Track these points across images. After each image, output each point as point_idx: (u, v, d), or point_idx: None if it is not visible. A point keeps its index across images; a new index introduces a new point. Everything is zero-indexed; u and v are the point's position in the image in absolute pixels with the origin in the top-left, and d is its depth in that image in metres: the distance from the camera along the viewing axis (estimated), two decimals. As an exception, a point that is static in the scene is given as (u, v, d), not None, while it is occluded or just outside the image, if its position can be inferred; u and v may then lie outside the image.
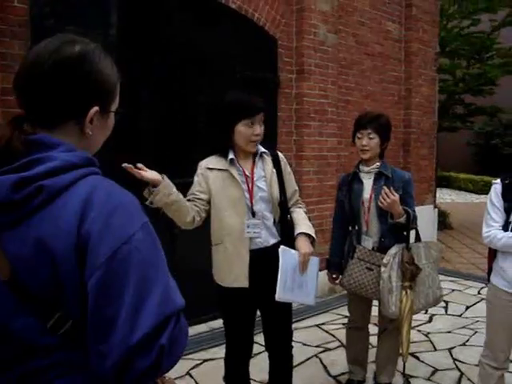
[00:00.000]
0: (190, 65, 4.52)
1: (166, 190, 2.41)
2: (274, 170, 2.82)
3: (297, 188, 2.99)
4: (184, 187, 2.73)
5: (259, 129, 2.68)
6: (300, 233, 2.78)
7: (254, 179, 2.76)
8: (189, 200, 2.70)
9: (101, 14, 4.00)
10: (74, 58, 1.07)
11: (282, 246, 2.69)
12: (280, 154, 2.94)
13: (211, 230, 2.78)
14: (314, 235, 2.81)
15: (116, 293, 0.94)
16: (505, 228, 2.75)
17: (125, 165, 2.24)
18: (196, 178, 2.77)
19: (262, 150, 2.83)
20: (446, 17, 11.08)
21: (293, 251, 2.72)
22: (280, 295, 2.64)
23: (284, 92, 5.35)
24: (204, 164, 2.78)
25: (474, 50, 11.29)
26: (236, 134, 2.67)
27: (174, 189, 2.49)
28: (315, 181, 5.53)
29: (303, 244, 2.74)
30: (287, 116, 5.40)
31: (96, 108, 1.10)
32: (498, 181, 2.83)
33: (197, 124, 4.58)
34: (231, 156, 2.72)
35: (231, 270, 2.70)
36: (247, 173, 2.75)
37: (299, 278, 2.74)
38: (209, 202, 2.73)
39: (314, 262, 2.82)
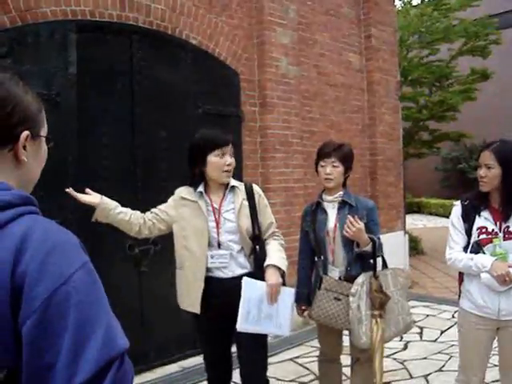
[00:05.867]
0: (151, 101, 4.51)
1: (102, 212, 2.75)
2: (246, 203, 2.91)
3: (273, 220, 3.06)
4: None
5: (230, 159, 2.84)
6: (269, 264, 2.83)
7: (222, 211, 2.87)
8: (151, 212, 2.93)
9: (60, 53, 3.98)
10: None
11: (245, 277, 2.76)
12: (255, 186, 3.05)
13: (175, 254, 2.93)
14: (283, 267, 2.88)
15: (53, 338, 0.88)
16: (466, 249, 2.76)
17: (67, 190, 2.65)
18: (168, 201, 2.97)
19: (234, 183, 2.96)
20: (406, 47, 11.40)
21: (259, 282, 2.77)
22: (242, 325, 2.69)
23: (248, 125, 5.37)
24: (178, 192, 2.96)
25: (435, 77, 11.59)
26: (208, 166, 2.82)
27: (115, 210, 2.78)
28: (283, 212, 5.51)
29: (271, 275, 2.80)
30: (252, 149, 5.41)
31: (27, 132, 1.08)
32: (458, 202, 2.86)
33: (159, 159, 4.55)
34: (200, 189, 2.88)
35: (188, 294, 2.84)
36: (215, 205, 2.88)
37: (267, 309, 2.78)
38: (168, 226, 2.92)
39: (288, 292, 2.89)
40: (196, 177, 2.91)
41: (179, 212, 2.89)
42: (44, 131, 1.18)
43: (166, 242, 3.13)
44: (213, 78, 5.02)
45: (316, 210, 3.29)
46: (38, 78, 3.86)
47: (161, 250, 4.36)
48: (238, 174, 4.87)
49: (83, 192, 2.75)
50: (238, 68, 5.29)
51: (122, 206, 2.88)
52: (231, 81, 5.23)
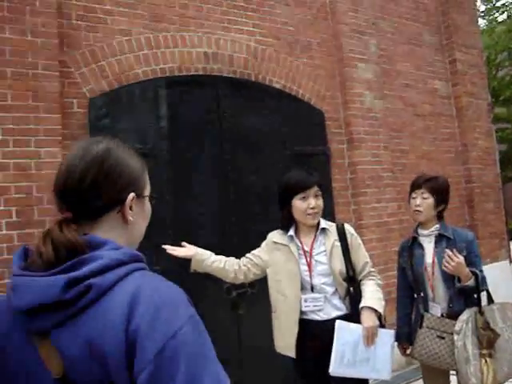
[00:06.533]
0: (240, 147, 4.62)
1: (198, 263, 2.85)
2: (338, 244, 2.86)
3: (367, 260, 2.98)
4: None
5: (314, 202, 2.81)
6: (364, 306, 2.76)
7: (313, 254, 2.85)
8: (245, 257, 2.99)
9: (152, 109, 4.20)
10: (100, 155, 1.16)
11: (338, 321, 2.71)
12: (347, 226, 2.99)
13: (270, 298, 2.95)
14: (380, 308, 2.79)
15: None
16: None
17: (164, 246, 2.77)
18: (262, 245, 3.01)
19: (324, 224, 2.92)
20: (495, 66, 10.98)
21: (353, 325, 2.71)
22: (335, 369, 2.63)
23: (337, 163, 5.34)
24: (271, 236, 3.00)
25: (529, 95, 11.05)
26: (294, 209, 2.85)
27: (210, 259, 2.87)
28: (378, 248, 5.38)
29: (366, 318, 2.73)
30: (342, 186, 5.36)
31: (132, 194, 1.17)
32: None
33: (251, 204, 4.61)
34: (290, 232, 2.89)
35: (284, 338, 2.84)
36: (306, 248, 2.86)
37: (364, 353, 2.70)
38: (262, 270, 2.95)
39: (386, 334, 2.79)
40: (286, 220, 2.92)
41: (272, 256, 2.91)
42: (147, 190, 1.26)
43: (262, 283, 3.15)
44: (298, 119, 5.07)
45: (412, 245, 3.19)
46: (133, 134, 4.09)
47: (258, 292, 4.36)
48: (329, 213, 4.84)
49: (179, 238, 2.85)
50: (322, 107, 5.32)
51: (218, 250, 2.95)
52: (317, 120, 5.26)
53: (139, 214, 1.22)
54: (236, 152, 4.60)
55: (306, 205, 2.79)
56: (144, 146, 4.10)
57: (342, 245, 2.88)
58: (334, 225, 2.99)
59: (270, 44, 5.01)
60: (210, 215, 4.40)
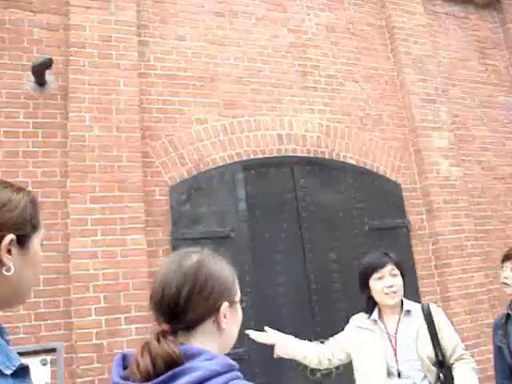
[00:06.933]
0: (318, 224, 4.62)
1: (281, 350, 2.77)
2: (425, 326, 2.73)
3: (458, 342, 2.78)
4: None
5: (390, 281, 2.72)
6: None
7: (398, 338, 2.72)
8: (329, 341, 2.91)
9: (230, 192, 4.31)
10: (194, 267, 1.20)
11: None
12: (433, 306, 2.86)
13: (355, 382, 2.84)
14: None
15: None
16: None
17: (247, 331, 2.70)
18: (345, 329, 2.92)
19: (408, 306, 2.81)
20: None
21: None
22: None
23: (417, 234, 5.21)
24: (354, 320, 2.91)
25: None
26: (372, 291, 2.77)
27: (294, 345, 2.79)
28: (468, 322, 5.09)
29: None
30: (425, 258, 5.20)
31: (226, 303, 1.21)
32: None
33: (331, 282, 4.55)
34: (374, 316, 2.79)
35: None
36: (391, 332, 2.75)
37: None
38: (347, 355, 2.85)
39: None
40: (368, 303, 2.85)
41: (355, 341, 2.81)
42: (238, 296, 1.29)
43: (347, 363, 3.04)
44: (375, 192, 5.04)
45: (507, 323, 3.00)
46: (213, 218, 4.20)
47: (342, 372, 4.21)
48: (412, 286, 4.69)
49: (260, 319, 2.81)
50: (398, 179, 5.27)
51: (299, 331, 2.90)
52: (393, 192, 5.20)
53: (232, 320, 1.25)
54: (314, 230, 4.60)
55: (382, 284, 2.72)
56: (224, 229, 4.19)
57: (429, 327, 2.74)
58: (419, 306, 2.87)
59: (341, 121, 5.09)
60: (290, 295, 4.36)
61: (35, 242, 1.15)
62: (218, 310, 1.20)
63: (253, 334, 2.79)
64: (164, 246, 4.10)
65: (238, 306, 1.29)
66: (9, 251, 1.07)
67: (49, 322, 3.69)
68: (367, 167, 5.10)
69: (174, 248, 4.07)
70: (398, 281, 2.75)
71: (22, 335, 3.55)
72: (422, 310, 2.82)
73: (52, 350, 3.62)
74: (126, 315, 3.81)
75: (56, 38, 4.27)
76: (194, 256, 1.25)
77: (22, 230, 1.11)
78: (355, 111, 5.22)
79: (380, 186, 5.13)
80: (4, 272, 1.06)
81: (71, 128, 4.00)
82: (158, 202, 4.14)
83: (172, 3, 4.75)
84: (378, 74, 5.55)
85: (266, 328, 2.86)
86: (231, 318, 1.24)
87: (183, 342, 1.15)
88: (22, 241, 1.11)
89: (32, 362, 3.22)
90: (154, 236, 4.07)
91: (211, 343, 1.19)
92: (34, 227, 1.17)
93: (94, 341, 3.70)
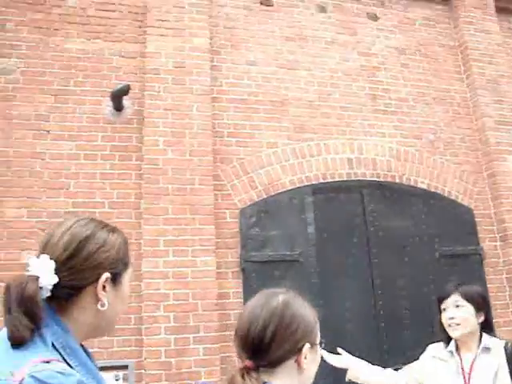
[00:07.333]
0: (387, 250, 4.55)
1: (354, 374, 2.65)
2: (505, 367, 2.56)
3: None
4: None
5: (451, 312, 2.56)
6: None
7: (472, 375, 2.55)
8: (402, 369, 2.79)
9: (299, 216, 4.33)
10: (280, 307, 1.24)
11: None
12: None
13: None
14: None
15: None
16: None
17: (321, 351, 2.64)
18: (420, 358, 2.80)
19: (488, 342, 2.61)
20: None
21: None
22: None
23: (490, 262, 5.02)
24: (430, 349, 2.80)
25: None
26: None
27: (366, 371, 2.67)
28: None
29: None
30: (499, 287, 4.99)
31: (308, 345, 1.24)
32: None
33: (401, 308, 4.45)
34: (450, 347, 2.63)
35: None
36: (465, 367, 2.57)
37: None
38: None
39: None
40: (442, 333, 2.70)
41: (430, 371, 2.69)
42: (318, 338, 1.32)
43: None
44: (446, 217, 4.91)
45: None
46: (282, 241, 4.22)
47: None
48: (486, 317, 4.50)
49: (329, 343, 2.77)
50: (470, 204, 5.12)
51: (369, 357, 2.83)
52: (466, 218, 5.05)
53: (312, 361, 1.28)
54: (383, 255, 4.53)
55: (445, 315, 2.59)
56: (292, 253, 4.21)
57: (510, 369, 2.60)
58: (501, 343, 2.71)
59: (412, 144, 5.01)
60: (358, 320, 4.30)
61: (126, 278, 1.24)
62: (300, 350, 1.23)
63: (325, 355, 2.74)
64: (233, 268, 4.15)
65: (318, 348, 1.32)
66: (104, 288, 1.16)
67: (121, 338, 3.80)
68: (438, 192, 4.99)
69: (243, 270, 4.12)
70: (463, 312, 2.57)
71: (96, 349, 3.67)
72: (505, 348, 2.66)
73: (124, 367, 3.75)
74: (195, 335, 3.88)
75: (133, 65, 4.46)
76: (280, 296, 1.28)
77: (116, 268, 1.20)
78: (426, 134, 5.13)
79: (452, 211, 4.99)
80: (99, 307, 1.15)
81: (146, 151, 4.15)
82: (228, 225, 4.21)
83: (243, 29, 4.85)
84: (450, 96, 5.44)
85: (340, 350, 2.74)
86: (311, 358, 1.27)
87: (265, 379, 1.18)
88: (115, 278, 1.19)
89: (107, 377, 3.36)
90: (224, 258, 4.14)
91: (291, 382, 1.22)
92: (125, 265, 1.26)
93: (163, 359, 3.78)
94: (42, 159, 4.07)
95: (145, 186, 4.07)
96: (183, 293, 3.92)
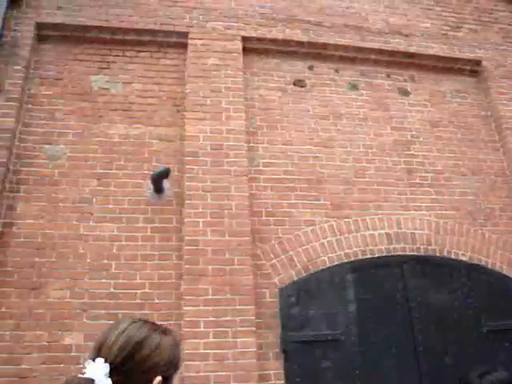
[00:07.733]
0: (431, 326, 4.42)
1: None
2: None
3: None
4: None
5: None
6: None
7: None
8: None
9: (340, 294, 4.27)
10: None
11: None
12: None
13: None
14: None
15: None
16: None
17: None
18: None
19: None
20: None
21: None
22: None
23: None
24: None
25: None
26: None
27: None
28: None
29: None
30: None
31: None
32: None
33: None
34: None
35: None
36: None
37: None
38: None
39: None
40: None
41: None
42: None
43: None
44: (491, 291, 4.77)
45: None
46: (323, 320, 4.16)
47: None
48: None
49: None
50: (515, 272, 4.98)
51: None
52: (512, 291, 4.90)
53: None
54: (427, 332, 4.39)
55: None
56: (333, 332, 4.13)
57: None
58: None
59: (451, 216, 4.96)
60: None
61: (175, 379, 1.29)
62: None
63: None
64: (274, 349, 4.09)
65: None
66: None
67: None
68: (481, 264, 4.88)
69: (285, 352, 4.05)
70: None
71: None
72: None
73: None
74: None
75: (172, 149, 4.62)
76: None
77: (167, 371, 1.25)
78: (465, 206, 5.08)
79: (497, 283, 4.85)
80: None
81: (186, 232, 4.22)
82: (268, 304, 4.18)
83: (278, 109, 5.01)
84: (486, 166, 5.41)
85: None
86: None
87: None
88: (166, 381, 1.25)
89: None
90: (264, 339, 4.09)
91: None
92: (176, 368, 1.30)
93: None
94: (85, 241, 4.18)
95: (185, 266, 4.12)
96: (224, 375, 3.86)
